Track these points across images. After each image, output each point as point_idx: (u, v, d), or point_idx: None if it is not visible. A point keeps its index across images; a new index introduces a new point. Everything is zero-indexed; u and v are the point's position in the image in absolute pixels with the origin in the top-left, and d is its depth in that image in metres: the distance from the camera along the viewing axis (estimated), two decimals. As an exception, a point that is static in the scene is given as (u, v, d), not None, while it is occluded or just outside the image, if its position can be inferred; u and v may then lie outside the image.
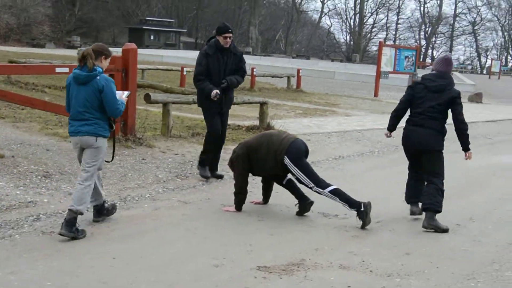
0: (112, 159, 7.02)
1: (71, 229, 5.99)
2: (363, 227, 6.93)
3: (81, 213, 6.16)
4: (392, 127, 7.85)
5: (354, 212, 7.05)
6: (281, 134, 7.56)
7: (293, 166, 7.21)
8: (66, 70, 10.36)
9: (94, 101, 6.24)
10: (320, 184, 7.18)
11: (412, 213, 7.60)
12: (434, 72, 7.42)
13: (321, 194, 7.20)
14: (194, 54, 52.06)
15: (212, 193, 8.21)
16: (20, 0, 58.21)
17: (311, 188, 7.23)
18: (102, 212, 6.69)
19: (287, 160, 7.21)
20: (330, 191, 7.12)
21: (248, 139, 7.78)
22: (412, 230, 7.04)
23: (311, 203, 7.46)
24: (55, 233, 6.09)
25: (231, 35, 8.58)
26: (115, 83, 6.54)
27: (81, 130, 6.26)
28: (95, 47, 6.50)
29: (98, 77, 6.22)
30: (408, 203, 7.65)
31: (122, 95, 6.56)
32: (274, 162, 7.30)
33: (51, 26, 64.96)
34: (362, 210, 6.91)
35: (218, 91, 8.43)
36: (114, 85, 6.38)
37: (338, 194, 7.11)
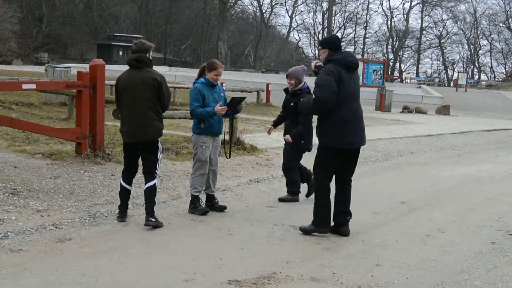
0: (227, 156, 8.72)
1: (190, 206, 8.05)
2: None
3: (193, 195, 8.03)
4: None
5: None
6: None
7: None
8: (33, 86, 10.29)
9: None
10: None
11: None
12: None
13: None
14: (162, 70, 52.04)
15: (182, 208, 8.18)
16: (-14, 17, 57.69)
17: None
18: (209, 200, 8.24)
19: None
20: None
21: None
22: (383, 241, 7.08)
23: None
24: (24, 250, 6.03)
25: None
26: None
27: None
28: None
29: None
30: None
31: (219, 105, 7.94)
32: None
33: (18, 43, 64.49)
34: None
35: None
36: (193, 91, 7.92)
37: None
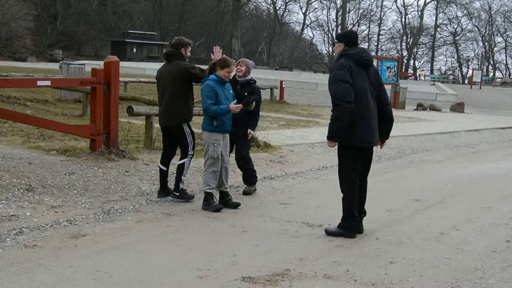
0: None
1: (203, 203, 8.04)
2: None
3: (206, 192, 8.03)
4: None
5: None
6: None
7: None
8: (48, 83, 10.33)
9: None
10: None
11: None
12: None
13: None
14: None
15: (196, 205, 8.19)
16: (1, 14, 57.94)
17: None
18: (223, 197, 8.23)
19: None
20: None
21: None
22: (396, 239, 7.05)
23: None
24: (38, 246, 6.06)
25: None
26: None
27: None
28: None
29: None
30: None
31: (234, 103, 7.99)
32: None
33: (32, 40, 64.79)
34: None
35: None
36: (206, 88, 7.89)
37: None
